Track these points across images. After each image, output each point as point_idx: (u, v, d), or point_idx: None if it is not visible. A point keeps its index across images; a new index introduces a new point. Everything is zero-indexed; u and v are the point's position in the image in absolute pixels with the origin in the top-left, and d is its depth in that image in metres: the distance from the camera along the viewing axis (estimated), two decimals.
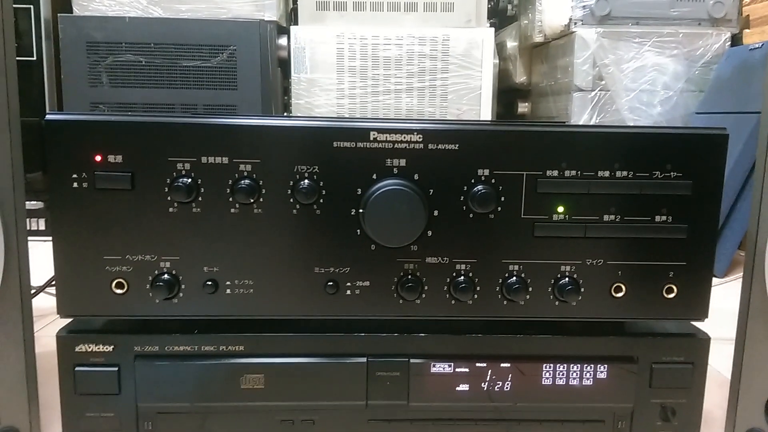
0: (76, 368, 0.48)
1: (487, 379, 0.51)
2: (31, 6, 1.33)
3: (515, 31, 1.68)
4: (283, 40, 1.39)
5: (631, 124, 1.34)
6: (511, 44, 1.69)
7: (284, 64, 1.41)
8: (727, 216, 1.17)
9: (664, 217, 0.48)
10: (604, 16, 1.37)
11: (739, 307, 0.52)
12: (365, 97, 1.39)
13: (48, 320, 0.78)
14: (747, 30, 1.44)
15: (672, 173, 0.48)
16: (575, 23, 1.38)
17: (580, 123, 1.37)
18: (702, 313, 0.50)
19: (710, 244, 0.49)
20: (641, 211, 0.48)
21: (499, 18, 1.74)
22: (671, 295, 0.49)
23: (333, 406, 0.50)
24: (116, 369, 0.48)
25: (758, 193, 0.50)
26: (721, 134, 0.48)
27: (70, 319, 0.51)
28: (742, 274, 0.51)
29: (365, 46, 1.38)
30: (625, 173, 0.48)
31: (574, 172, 0.48)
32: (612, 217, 0.48)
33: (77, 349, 0.48)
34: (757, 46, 1.28)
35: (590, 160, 0.47)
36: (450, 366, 0.50)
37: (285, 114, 1.45)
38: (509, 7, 1.69)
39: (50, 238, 0.47)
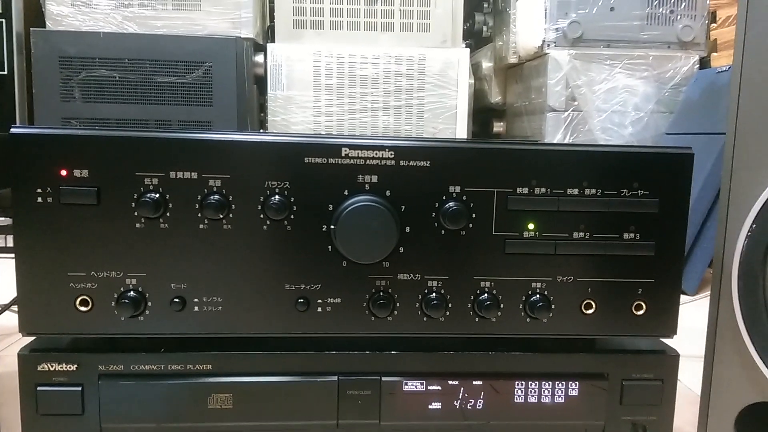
0: (38, 388, 0.47)
1: (460, 396, 0.50)
2: (3, 20, 1.32)
3: (490, 52, 1.70)
4: (259, 57, 1.40)
5: (601, 143, 1.37)
6: (487, 65, 1.72)
7: (261, 81, 1.41)
8: (697, 235, 1.19)
9: (632, 235, 0.49)
10: (576, 38, 1.39)
11: (708, 324, 0.52)
12: (342, 114, 1.39)
13: (12, 339, 0.76)
14: (715, 53, 1.48)
15: (639, 191, 0.48)
16: (548, 45, 1.41)
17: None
18: (671, 330, 0.51)
19: (678, 262, 0.50)
20: (610, 228, 0.49)
21: (475, 39, 1.77)
22: (640, 312, 0.50)
23: (303, 425, 0.49)
24: (80, 389, 0.47)
25: (724, 212, 0.51)
26: (687, 153, 0.49)
27: (33, 338, 0.49)
28: None
29: (342, 65, 1.38)
30: (593, 191, 0.48)
31: (544, 190, 0.48)
32: (581, 234, 0.49)
33: (39, 368, 0.47)
34: (724, 69, 1.31)
35: (560, 178, 0.48)
36: (422, 384, 0.50)
37: (260, 130, 1.44)
38: (484, 28, 1.72)
39: None
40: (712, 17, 1.50)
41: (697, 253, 1.19)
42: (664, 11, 1.41)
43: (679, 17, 1.41)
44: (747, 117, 0.49)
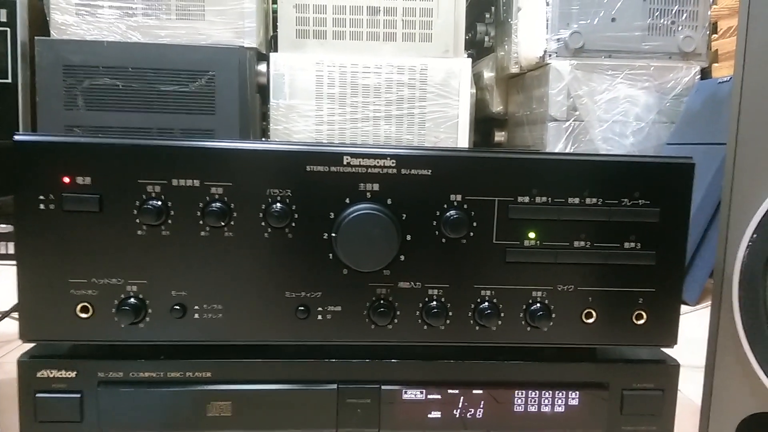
0: (37, 395, 0.47)
1: (460, 405, 0.50)
2: (8, 29, 1.33)
3: (492, 62, 1.71)
4: (262, 67, 1.40)
5: (602, 153, 1.37)
6: (488, 75, 1.72)
7: (263, 90, 1.42)
8: (698, 245, 1.19)
9: (632, 244, 0.49)
10: (577, 48, 1.40)
11: (708, 335, 0.52)
12: (344, 123, 1.40)
13: (12, 346, 0.76)
14: (716, 64, 1.49)
15: (640, 201, 0.48)
16: (550, 55, 1.41)
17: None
18: (671, 340, 0.51)
19: (678, 271, 0.50)
20: (610, 237, 0.49)
21: (477, 49, 1.78)
22: (641, 322, 0.50)
23: None
24: (79, 395, 0.47)
25: (725, 222, 0.51)
26: (688, 163, 0.49)
27: (33, 344, 0.49)
28: None
29: (344, 74, 1.39)
30: (594, 200, 0.48)
31: (545, 199, 0.48)
32: (582, 243, 0.49)
33: (39, 374, 0.47)
34: (725, 79, 1.32)
35: (561, 187, 0.48)
36: (422, 393, 0.50)
37: (262, 139, 1.45)
38: (486, 38, 1.73)
39: None
40: (713, 28, 1.50)
41: (698, 263, 1.19)
42: (665, 22, 1.41)
43: (680, 28, 1.42)
44: (748, 127, 0.49)
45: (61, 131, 1.30)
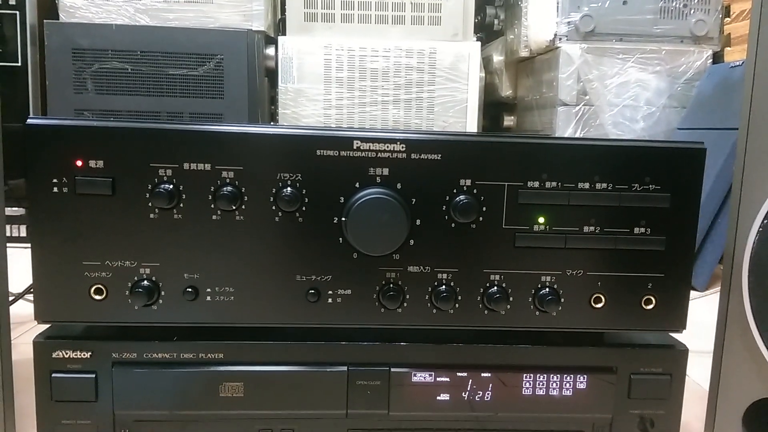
0: (53, 374, 0.48)
1: (468, 388, 0.51)
2: (17, 12, 1.33)
3: (501, 46, 1.70)
4: (270, 50, 1.40)
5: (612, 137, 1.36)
6: (498, 58, 1.71)
7: (272, 74, 1.42)
8: (707, 230, 1.19)
9: (642, 229, 0.49)
10: (588, 32, 1.39)
11: (717, 320, 0.52)
12: (352, 108, 1.40)
13: (26, 327, 0.77)
14: (728, 48, 1.47)
15: (650, 186, 0.48)
16: (560, 39, 1.40)
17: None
18: (680, 325, 0.51)
19: (688, 257, 0.50)
20: (620, 222, 0.49)
21: (486, 32, 1.76)
22: (650, 307, 0.50)
23: (313, 415, 0.50)
24: (93, 376, 0.48)
25: (736, 208, 0.51)
26: (699, 148, 0.49)
27: (48, 325, 0.50)
28: None
29: (353, 58, 1.38)
30: (604, 185, 0.48)
31: (554, 184, 0.48)
32: (592, 228, 0.49)
33: (54, 355, 0.48)
34: (737, 63, 1.30)
35: (571, 172, 0.48)
36: (431, 375, 0.50)
37: (271, 123, 1.45)
38: (496, 21, 1.71)
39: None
40: (726, 11, 1.48)
41: (707, 248, 1.18)
42: (677, 5, 1.40)
43: (692, 11, 1.40)
44: (760, 112, 0.49)
45: (70, 115, 1.30)
